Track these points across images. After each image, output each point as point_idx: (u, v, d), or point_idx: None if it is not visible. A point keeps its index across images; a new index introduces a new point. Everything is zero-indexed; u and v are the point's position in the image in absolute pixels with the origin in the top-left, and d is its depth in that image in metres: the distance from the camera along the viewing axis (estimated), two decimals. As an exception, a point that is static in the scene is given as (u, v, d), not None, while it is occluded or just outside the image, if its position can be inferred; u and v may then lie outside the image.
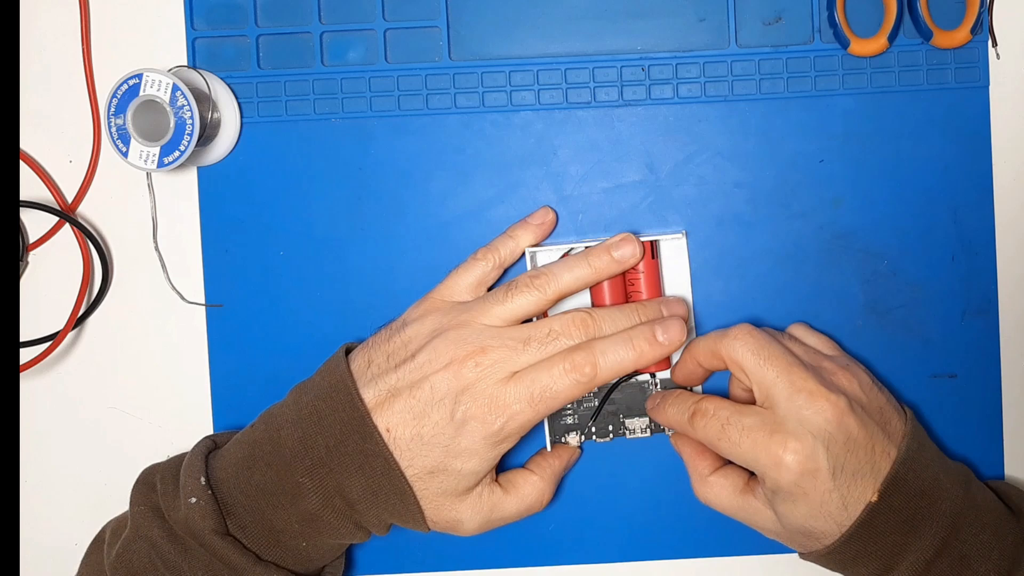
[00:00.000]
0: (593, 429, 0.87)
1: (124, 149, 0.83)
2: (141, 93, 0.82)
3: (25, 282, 0.90)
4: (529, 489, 0.84)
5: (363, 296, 0.88)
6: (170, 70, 0.85)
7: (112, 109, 0.82)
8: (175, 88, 0.82)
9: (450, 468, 0.79)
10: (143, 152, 0.82)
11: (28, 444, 0.90)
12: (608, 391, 0.87)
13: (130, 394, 0.90)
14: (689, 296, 0.87)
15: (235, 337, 0.89)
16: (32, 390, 0.90)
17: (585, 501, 0.90)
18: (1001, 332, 0.89)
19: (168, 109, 0.82)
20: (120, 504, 0.88)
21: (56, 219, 0.89)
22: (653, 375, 0.87)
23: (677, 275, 0.87)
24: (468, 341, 0.79)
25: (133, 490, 0.83)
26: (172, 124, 0.82)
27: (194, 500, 0.79)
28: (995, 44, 0.88)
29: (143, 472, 0.84)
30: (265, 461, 0.80)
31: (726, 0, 0.87)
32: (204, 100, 0.85)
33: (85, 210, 0.89)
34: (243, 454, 0.81)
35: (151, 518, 0.80)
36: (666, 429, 0.87)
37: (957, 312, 0.88)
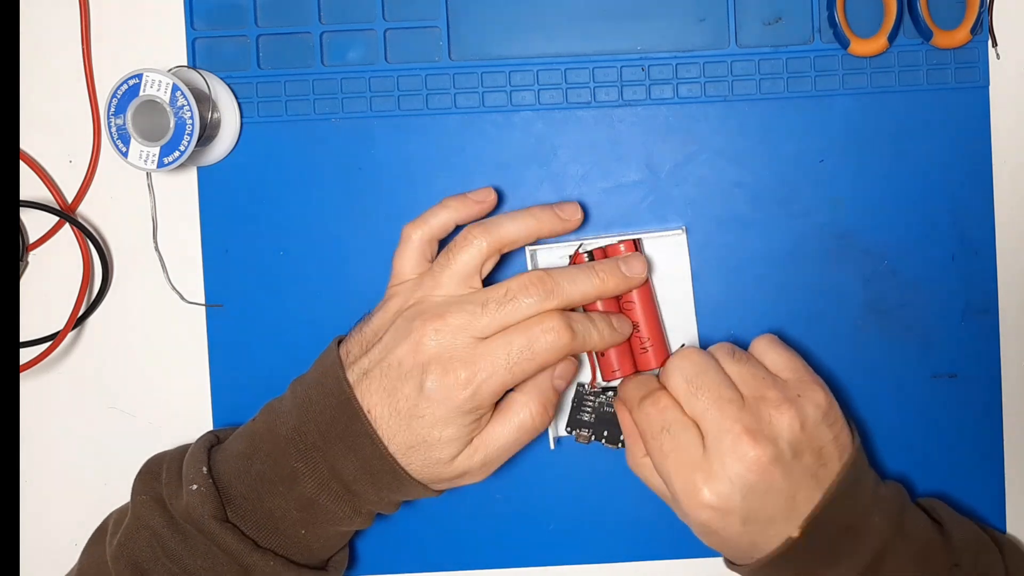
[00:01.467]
0: (605, 433, 0.87)
1: (124, 149, 0.83)
2: (141, 93, 0.82)
3: (25, 282, 0.90)
4: (517, 408, 0.83)
5: (363, 296, 0.88)
6: (170, 70, 0.85)
7: (112, 109, 0.82)
8: (175, 88, 0.82)
9: (430, 439, 0.79)
10: (143, 152, 0.82)
11: (28, 444, 0.90)
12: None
13: (130, 394, 0.91)
14: (690, 294, 0.87)
15: (235, 337, 0.89)
16: (32, 390, 0.90)
17: (585, 501, 0.90)
18: (1001, 332, 0.89)
19: (168, 109, 0.82)
20: (120, 503, 0.88)
21: (56, 219, 0.89)
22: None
23: (677, 272, 0.87)
24: (427, 312, 0.79)
25: (136, 479, 0.83)
26: (172, 124, 0.82)
27: (195, 487, 0.79)
28: (995, 44, 0.88)
29: (147, 461, 0.84)
30: (264, 451, 0.80)
31: (726, 0, 0.87)
32: (204, 100, 0.85)
33: (85, 210, 0.90)
34: (243, 446, 0.81)
35: (153, 507, 0.80)
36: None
37: (957, 312, 0.88)
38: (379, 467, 0.79)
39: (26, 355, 0.87)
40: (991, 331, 0.88)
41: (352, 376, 0.80)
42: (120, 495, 0.88)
